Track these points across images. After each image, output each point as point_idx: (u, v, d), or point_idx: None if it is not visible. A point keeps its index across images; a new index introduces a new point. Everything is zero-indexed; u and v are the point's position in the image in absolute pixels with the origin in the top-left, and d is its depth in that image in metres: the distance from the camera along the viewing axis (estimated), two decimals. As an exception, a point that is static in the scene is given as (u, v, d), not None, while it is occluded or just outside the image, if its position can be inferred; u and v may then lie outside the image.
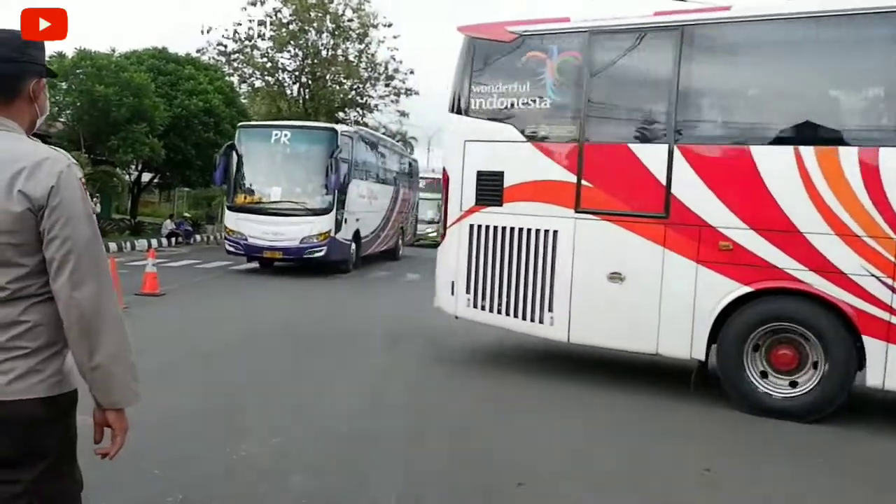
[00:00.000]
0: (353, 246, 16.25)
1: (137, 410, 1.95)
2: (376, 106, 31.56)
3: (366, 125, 28.17)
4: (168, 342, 7.68)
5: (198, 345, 7.86)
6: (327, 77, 29.91)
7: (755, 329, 5.85)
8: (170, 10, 73.57)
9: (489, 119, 6.89)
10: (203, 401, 5.65)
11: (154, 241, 21.10)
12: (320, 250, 14.87)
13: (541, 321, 6.65)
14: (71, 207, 1.77)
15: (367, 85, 30.99)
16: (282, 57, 29.39)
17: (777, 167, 5.70)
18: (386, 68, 30.66)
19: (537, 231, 6.64)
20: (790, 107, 5.92)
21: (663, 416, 5.81)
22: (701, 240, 5.95)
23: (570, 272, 6.48)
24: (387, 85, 31.14)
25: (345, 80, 30.38)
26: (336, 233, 15.09)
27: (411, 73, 31.05)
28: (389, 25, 29.93)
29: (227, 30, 28.48)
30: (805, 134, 5.73)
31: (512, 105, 6.78)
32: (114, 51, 22.43)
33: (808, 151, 5.58)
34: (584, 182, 6.41)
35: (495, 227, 6.85)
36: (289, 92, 30.14)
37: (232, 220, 15.49)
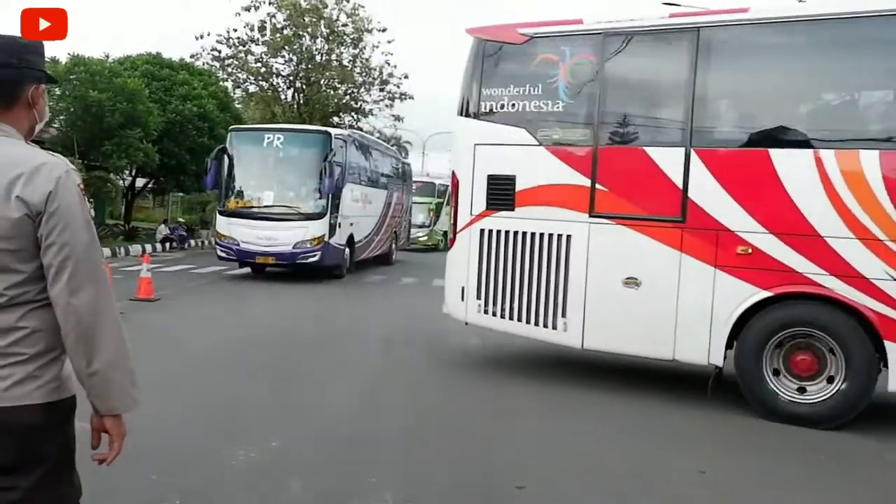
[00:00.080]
0: (347, 251, 16.01)
1: (134, 415, 1.93)
2: (371, 111, 31.43)
3: (360, 130, 28.03)
4: (164, 347, 7.57)
5: (194, 349, 7.82)
6: (322, 82, 29.72)
7: (774, 334, 5.77)
8: (170, 11, 73.41)
9: (500, 122, 6.78)
10: (200, 405, 5.65)
11: (148, 247, 20.89)
12: (314, 255, 14.62)
13: (554, 327, 6.55)
14: (69, 213, 1.76)
15: (362, 90, 30.84)
16: (276, 62, 29.23)
17: (797, 170, 5.62)
18: (380, 73, 30.56)
19: (550, 236, 6.54)
20: (810, 109, 5.87)
21: (673, 420, 5.77)
22: (719, 244, 5.87)
23: (584, 277, 6.39)
24: (381, 90, 31.00)
25: (339, 85, 30.18)
26: (330, 238, 14.83)
27: (405, 77, 30.97)
28: (384, 30, 29.85)
29: (220, 35, 28.33)
30: (825, 137, 5.66)
31: (523, 108, 6.69)
32: (107, 56, 22.31)
33: (828, 154, 5.51)
34: (598, 186, 6.32)
35: (507, 232, 6.75)
36: (283, 97, 29.96)
37: (223, 224, 15.17)
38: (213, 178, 15.15)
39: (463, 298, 6.97)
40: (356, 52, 29.91)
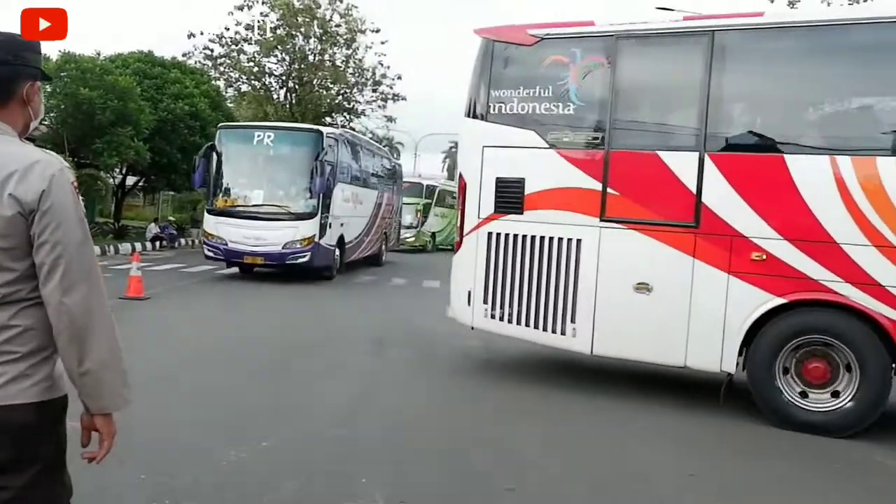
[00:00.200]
0: (337, 252, 15.76)
1: (124, 414, 1.92)
2: (363, 111, 31.35)
3: (353, 130, 27.92)
4: (153, 346, 7.47)
5: (184, 349, 7.77)
6: (314, 82, 29.61)
7: (788, 341, 5.71)
8: (170, 11, 73.07)
9: (509, 124, 6.69)
10: (190, 405, 5.62)
11: (138, 245, 20.71)
12: (304, 256, 14.37)
13: (562, 332, 6.46)
14: (62, 212, 1.75)
15: (355, 90, 30.76)
16: (269, 61, 29.09)
17: (813, 176, 5.56)
18: (373, 74, 30.48)
19: (560, 240, 6.45)
20: (826, 115, 5.80)
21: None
22: (732, 250, 5.80)
23: (594, 282, 6.30)
24: (374, 90, 30.93)
25: (332, 85, 30.10)
26: (320, 238, 14.57)
27: (399, 78, 30.93)
28: (377, 31, 29.81)
29: (212, 34, 28.15)
30: (841, 143, 5.61)
31: (533, 110, 6.60)
32: (99, 54, 22.08)
33: (844, 161, 5.46)
34: (609, 190, 6.24)
35: (515, 236, 6.65)
36: (275, 96, 29.83)
37: (211, 223, 14.84)
38: (202, 176, 14.81)
39: (469, 303, 6.86)
40: (349, 52, 29.87)
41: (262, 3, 27.83)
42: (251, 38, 28.14)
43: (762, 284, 5.72)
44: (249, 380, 6.54)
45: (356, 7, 29.05)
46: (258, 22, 27.82)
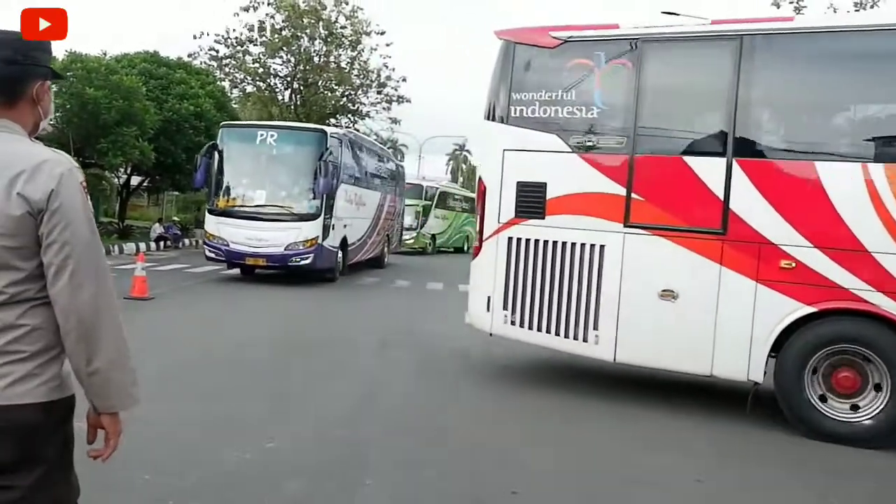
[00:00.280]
0: (340, 254, 15.58)
1: (129, 414, 1.92)
2: (368, 113, 31.31)
3: (357, 132, 27.86)
4: (158, 346, 7.40)
5: (189, 349, 7.74)
6: (319, 83, 29.56)
7: (817, 351, 5.61)
8: (170, 11, 73.16)
9: (530, 128, 6.59)
10: (195, 405, 5.61)
11: (142, 245, 20.68)
12: (307, 258, 14.13)
13: (584, 339, 6.35)
14: (71, 211, 1.74)
15: (359, 92, 30.71)
16: (274, 62, 29.04)
17: (844, 184, 5.47)
18: (378, 75, 30.43)
19: (582, 245, 6.35)
20: (858, 122, 5.71)
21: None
22: (761, 257, 5.70)
23: (617, 289, 6.20)
24: (379, 92, 30.90)
25: (337, 87, 30.06)
26: (323, 239, 14.36)
27: (403, 80, 30.90)
28: (382, 33, 29.79)
29: (218, 34, 28.09)
30: (874, 150, 5.51)
31: (555, 114, 6.49)
32: (105, 54, 22.03)
33: (877, 168, 5.36)
34: (634, 195, 6.14)
35: (536, 241, 6.55)
36: (280, 97, 29.78)
37: (212, 224, 14.62)
38: (203, 176, 14.54)
39: (488, 308, 6.75)
40: (354, 54, 29.82)
41: (268, 4, 27.78)
42: (256, 38, 28.08)
43: (791, 293, 5.62)
44: (253, 380, 6.54)
45: (362, 9, 29.07)
46: (260, 23, 27.75)
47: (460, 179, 62.38)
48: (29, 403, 1.74)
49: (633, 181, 6.13)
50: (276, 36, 28.08)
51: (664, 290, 6.02)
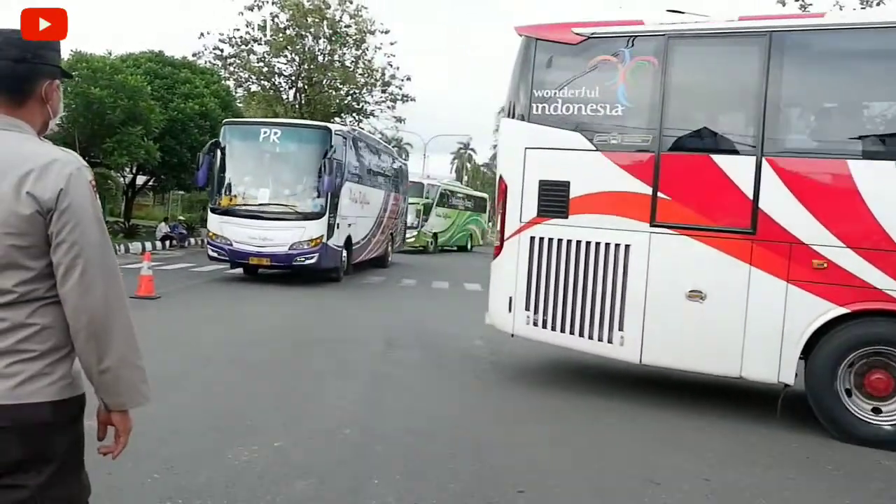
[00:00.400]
0: (345, 253, 15.37)
1: (137, 413, 1.92)
2: (372, 112, 31.20)
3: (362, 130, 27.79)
4: (165, 345, 7.35)
5: (195, 348, 7.74)
6: (324, 82, 29.45)
7: (850, 353, 5.50)
8: (169, 11, 73.20)
9: (553, 125, 6.48)
10: (202, 404, 5.62)
11: (148, 245, 20.62)
12: (311, 257, 13.89)
13: (609, 341, 6.25)
14: (80, 211, 1.74)
15: (364, 91, 30.60)
16: (278, 61, 28.93)
17: (877, 182, 5.36)
18: (382, 74, 30.33)
19: (607, 245, 6.25)
20: (889, 120, 5.60)
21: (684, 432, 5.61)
22: (792, 257, 5.59)
23: (643, 289, 6.09)
24: (383, 91, 30.79)
25: (341, 86, 29.94)
26: (328, 239, 14.12)
27: (408, 79, 30.81)
28: (386, 32, 29.68)
29: (222, 34, 28.01)
30: (909, 147, 5.41)
31: (578, 111, 6.39)
32: (110, 53, 21.99)
33: (912, 166, 5.26)
34: (660, 194, 6.03)
35: (559, 240, 6.44)
36: (285, 97, 29.67)
37: (215, 223, 14.33)
38: (205, 174, 14.26)
39: (510, 309, 6.65)
40: (359, 53, 29.70)
41: (273, 3, 27.68)
42: (261, 38, 27.99)
43: (823, 293, 5.52)
44: (260, 380, 6.53)
45: (366, 7, 28.96)
46: (262, 22, 27.67)
47: (465, 178, 62.36)
48: (39, 402, 1.74)
49: (660, 180, 6.03)
50: (281, 35, 27.98)
51: (692, 291, 5.91)
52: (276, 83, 29.46)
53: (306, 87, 29.43)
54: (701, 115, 6.19)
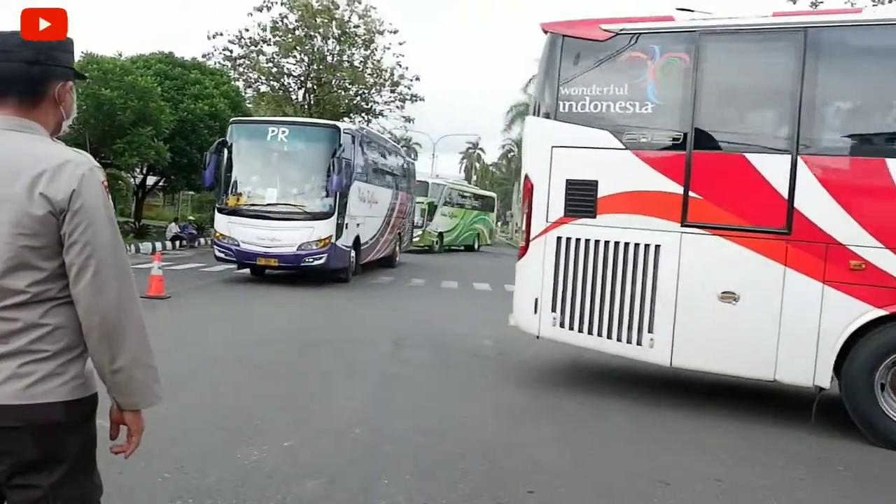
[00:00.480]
0: (353, 253, 15.16)
1: (148, 412, 1.92)
2: (381, 112, 31.13)
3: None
4: (175, 345, 7.34)
5: (206, 348, 7.76)
6: (333, 82, 29.41)
7: (889, 356, 5.38)
8: (169, 11, 73.41)
9: (580, 124, 6.37)
10: (213, 403, 5.65)
11: (158, 245, 20.61)
12: (320, 258, 13.66)
13: (639, 343, 6.13)
14: (92, 212, 1.75)
15: (373, 91, 30.55)
16: (287, 62, 28.91)
17: (918, 180, 5.23)
18: (391, 74, 30.27)
19: (636, 245, 6.13)
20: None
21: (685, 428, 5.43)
22: (828, 258, 5.47)
23: (674, 290, 5.97)
24: (392, 91, 30.73)
25: (350, 86, 29.91)
26: (337, 239, 13.90)
27: (417, 79, 30.76)
28: (395, 32, 29.65)
29: (232, 35, 28.01)
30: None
31: (607, 109, 6.28)
32: (120, 55, 22.00)
33: (953, 164, 5.13)
34: (691, 194, 5.91)
35: (587, 241, 6.33)
36: (294, 97, 29.64)
37: (222, 223, 14.09)
38: (213, 174, 13.98)
39: (536, 311, 6.54)
40: (367, 53, 29.66)
41: (282, 3, 27.65)
42: (270, 38, 27.96)
43: (860, 295, 5.39)
44: (269, 380, 6.53)
45: (375, 8, 28.99)
46: (273, 22, 27.63)
47: (474, 178, 62.29)
48: (51, 402, 1.74)
49: (691, 179, 5.92)
50: (290, 35, 27.95)
51: (724, 292, 5.79)
52: (286, 83, 29.45)
53: (315, 87, 29.40)
54: (734, 113, 6.08)
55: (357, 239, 15.37)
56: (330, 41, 29.04)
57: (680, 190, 5.95)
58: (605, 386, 6.89)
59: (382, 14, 36.58)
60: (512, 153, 59.46)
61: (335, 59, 29.30)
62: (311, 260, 13.68)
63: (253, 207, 13.99)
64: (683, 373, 6.47)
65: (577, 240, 6.37)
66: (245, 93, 28.45)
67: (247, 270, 15.11)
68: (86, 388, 1.82)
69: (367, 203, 16.30)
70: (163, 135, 20.38)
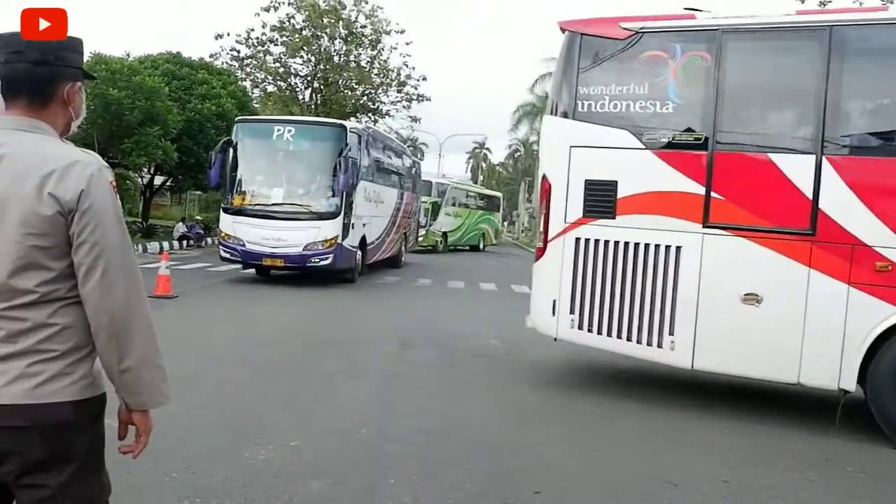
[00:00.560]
0: (359, 253, 15.02)
1: (155, 412, 1.93)
2: (388, 112, 31.09)
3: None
4: (183, 345, 7.34)
5: (213, 347, 7.76)
6: (339, 82, 29.37)
7: (916, 358, 5.30)
8: (169, 11, 73.57)
9: (599, 123, 6.30)
10: (220, 403, 5.65)
11: (166, 244, 20.62)
12: (326, 258, 13.50)
13: (659, 346, 6.06)
14: (101, 212, 1.75)
15: (379, 91, 30.49)
16: (294, 62, 28.88)
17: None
18: (398, 74, 30.21)
19: (657, 246, 6.06)
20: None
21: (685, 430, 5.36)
22: (854, 259, 5.39)
23: (695, 292, 5.90)
24: (399, 91, 30.68)
25: (357, 86, 29.86)
26: (343, 239, 13.74)
27: (423, 79, 30.69)
28: (402, 32, 29.60)
29: (238, 34, 27.99)
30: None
31: (626, 108, 6.21)
32: (128, 55, 21.99)
33: (982, 164, 5.05)
34: (713, 194, 5.84)
35: (606, 242, 6.26)
36: (301, 97, 29.61)
37: (228, 223, 13.93)
38: (218, 173, 13.86)
39: (554, 312, 6.47)
40: (374, 53, 29.61)
41: (289, 3, 27.62)
42: (277, 39, 27.94)
43: (887, 296, 5.31)
44: (276, 380, 6.52)
45: (381, 8, 28.91)
46: (280, 23, 27.61)
47: (480, 178, 62.21)
48: (60, 402, 1.74)
49: (713, 179, 5.84)
50: (297, 35, 27.92)
51: (747, 294, 5.72)
52: (292, 83, 29.43)
53: (322, 87, 29.37)
54: (756, 112, 6.01)
55: (363, 239, 15.25)
56: (337, 41, 29.00)
57: (702, 190, 5.88)
58: (611, 386, 6.87)
59: (389, 14, 36.56)
60: (518, 153, 59.43)
61: (342, 59, 29.26)
62: (317, 260, 13.54)
63: (258, 207, 13.82)
64: (694, 373, 6.40)
65: (597, 241, 6.30)
66: (252, 93, 28.44)
67: (253, 270, 15.01)
68: (94, 388, 1.83)
69: (373, 203, 16.16)
70: (170, 135, 20.36)
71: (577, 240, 6.37)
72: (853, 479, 4.72)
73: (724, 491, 4.34)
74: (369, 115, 30.62)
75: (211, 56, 27.15)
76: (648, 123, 6.14)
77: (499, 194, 40.94)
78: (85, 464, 1.82)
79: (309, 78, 29.36)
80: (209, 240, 23.90)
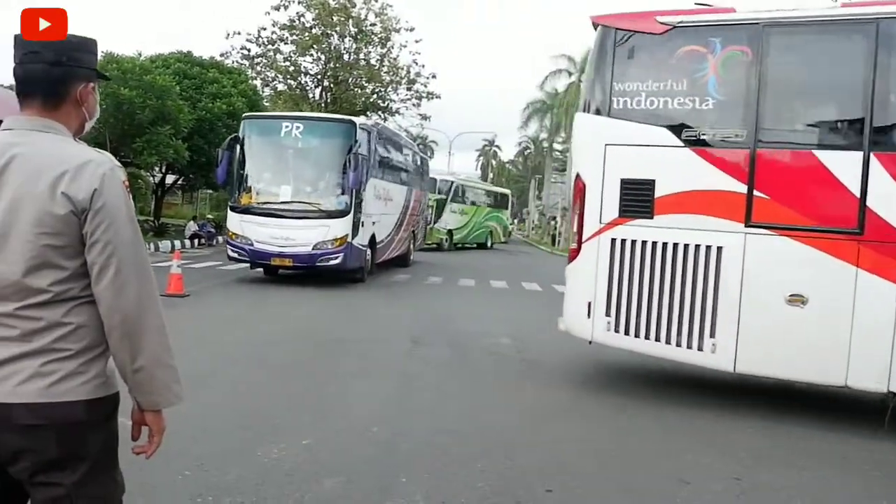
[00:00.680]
0: (369, 252, 14.74)
1: (169, 410, 1.92)
2: (398, 110, 30.95)
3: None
4: (195, 344, 7.30)
5: (225, 346, 7.74)
6: (349, 81, 29.26)
7: (969, 361, 5.15)
8: (169, 11, 73.60)
9: (635, 121, 6.15)
10: (232, 402, 5.64)
11: (177, 243, 20.59)
12: (336, 257, 13.15)
13: (700, 348, 5.91)
14: (114, 211, 1.75)
15: (389, 89, 30.37)
16: (304, 60, 28.79)
17: None
18: (408, 72, 30.09)
19: (697, 247, 5.91)
20: None
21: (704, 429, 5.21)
22: (903, 259, 5.24)
23: (737, 293, 5.75)
24: (408, 89, 30.56)
25: (367, 84, 29.75)
26: (353, 237, 13.40)
27: (433, 77, 30.55)
28: (411, 30, 29.47)
29: (250, 34, 27.93)
30: None
31: (664, 105, 6.06)
32: (139, 54, 21.96)
33: None
34: (756, 193, 5.69)
35: (644, 242, 6.12)
36: (311, 95, 29.51)
37: (235, 222, 13.58)
38: (225, 171, 13.45)
39: (589, 315, 6.33)
40: (384, 51, 29.50)
41: (299, 2, 27.52)
42: (287, 37, 27.85)
43: None
44: (287, 378, 6.50)
45: (391, 6, 28.74)
46: (290, 21, 27.52)
47: (490, 175, 62.05)
48: (73, 401, 1.75)
49: (756, 177, 5.69)
50: (307, 34, 27.82)
51: (792, 295, 5.57)
52: (303, 82, 29.34)
53: (332, 85, 29.26)
54: (800, 108, 5.86)
55: (373, 237, 14.97)
56: (347, 39, 28.90)
57: (744, 189, 5.73)
58: (624, 385, 6.82)
59: (398, 12, 36.46)
60: (528, 150, 59.20)
61: (352, 57, 29.17)
62: (326, 260, 13.22)
63: (267, 205, 13.45)
64: (709, 372, 6.29)
65: (633, 241, 6.16)
66: (262, 91, 28.37)
67: (261, 270, 14.77)
68: (107, 387, 1.83)
69: (383, 201, 15.91)
70: (181, 133, 20.33)
71: (613, 240, 6.23)
72: (873, 479, 4.64)
73: (736, 489, 4.30)
74: (379, 112, 30.48)
75: (221, 55, 27.11)
76: (687, 120, 5.99)
77: (507, 191, 40.72)
78: (98, 462, 1.82)
79: (319, 76, 29.27)
80: (220, 238, 23.84)
